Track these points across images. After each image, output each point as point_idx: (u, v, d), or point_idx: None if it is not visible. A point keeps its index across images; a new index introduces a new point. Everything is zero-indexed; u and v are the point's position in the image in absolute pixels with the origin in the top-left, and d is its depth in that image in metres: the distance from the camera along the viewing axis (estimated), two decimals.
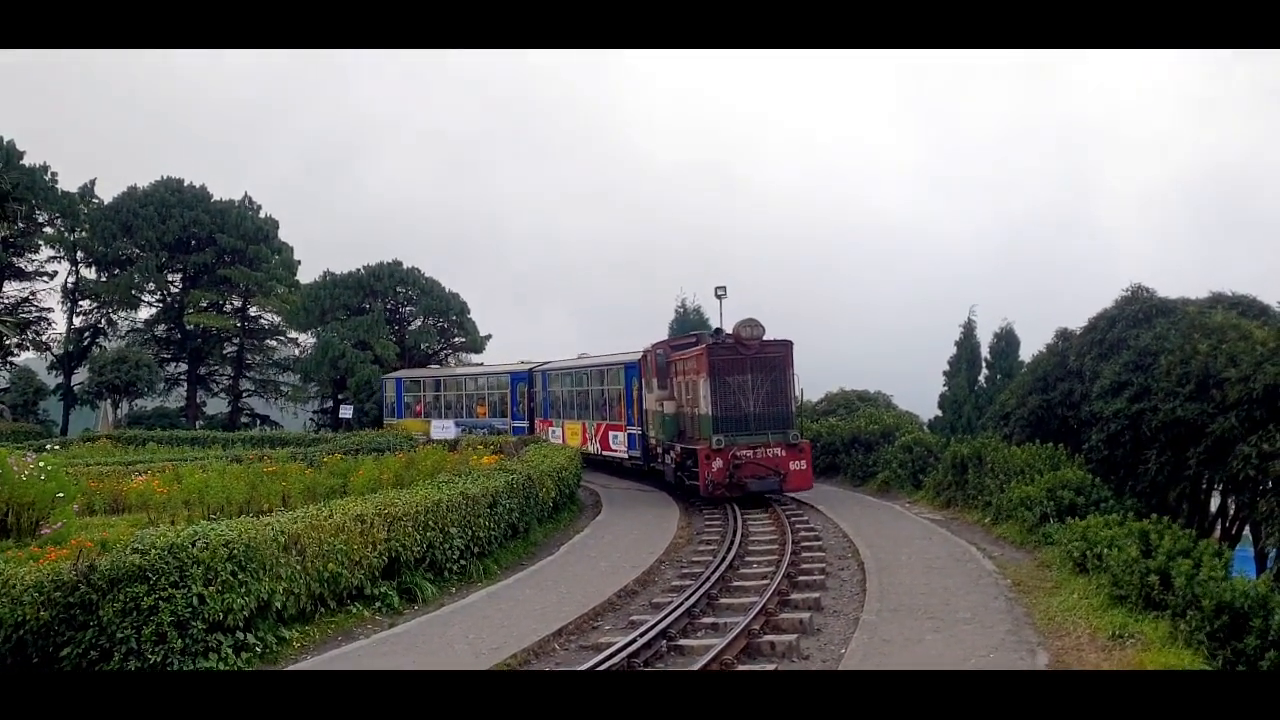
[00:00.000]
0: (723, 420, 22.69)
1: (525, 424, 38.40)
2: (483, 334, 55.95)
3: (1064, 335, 23.71)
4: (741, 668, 10.73)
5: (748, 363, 22.98)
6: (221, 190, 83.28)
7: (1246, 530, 18.97)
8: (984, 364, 35.44)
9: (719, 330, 25.02)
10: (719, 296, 26.47)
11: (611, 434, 31.26)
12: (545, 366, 38.19)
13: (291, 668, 11.06)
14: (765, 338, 23.26)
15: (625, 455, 30.16)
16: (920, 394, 39.69)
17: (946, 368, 36.27)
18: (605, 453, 31.77)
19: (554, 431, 35.81)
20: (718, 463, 22.30)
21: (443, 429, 37.04)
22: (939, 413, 36.73)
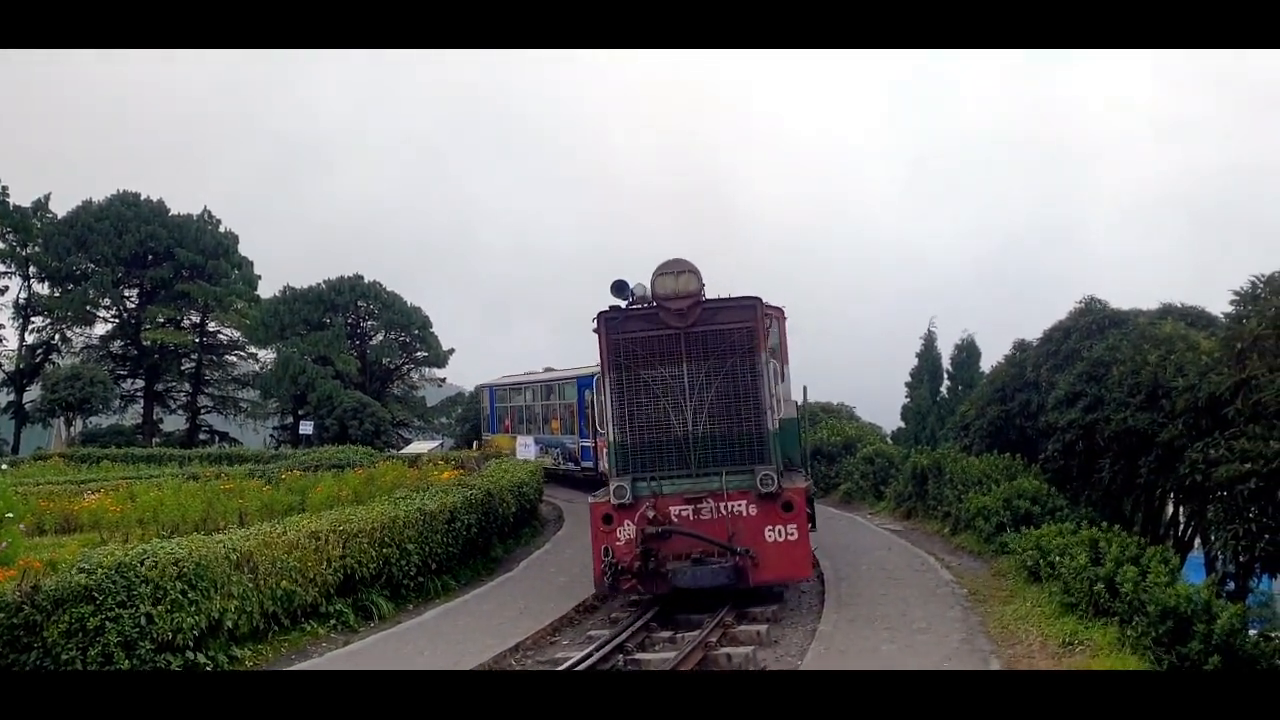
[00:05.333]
0: (633, 451, 13.55)
1: (592, 443, 29.92)
2: (446, 348, 55.65)
3: (1021, 346, 24.01)
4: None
5: (678, 343, 13.49)
6: (176, 202, 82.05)
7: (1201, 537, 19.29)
8: (946, 375, 35.91)
9: (620, 285, 14.19)
10: None
11: None
12: None
13: None
14: (710, 297, 13.78)
15: None
16: (886, 405, 40.01)
17: (909, 378, 36.70)
18: None
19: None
20: (623, 531, 13.27)
21: (525, 447, 31.16)
22: (902, 424, 37.13)
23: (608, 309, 13.89)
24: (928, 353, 35.94)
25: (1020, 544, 15.15)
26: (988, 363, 31.53)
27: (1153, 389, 16.24)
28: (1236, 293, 14.96)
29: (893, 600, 13.78)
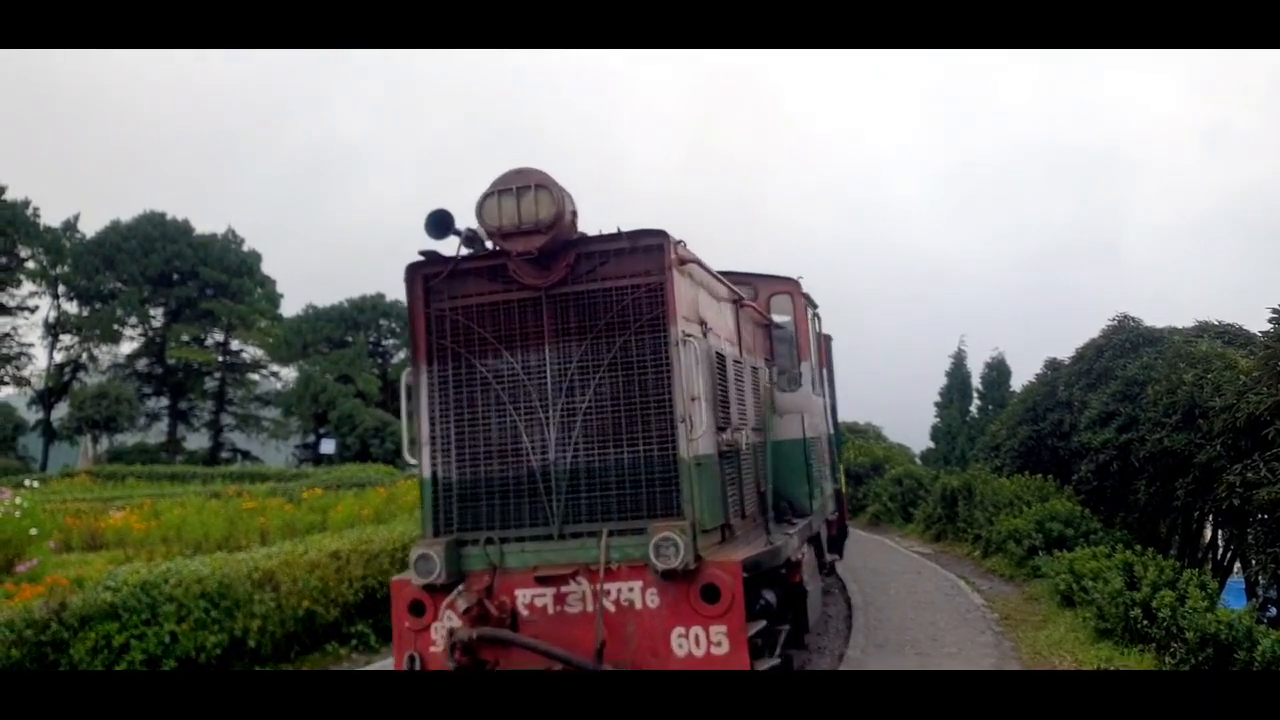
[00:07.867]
0: (460, 493, 7.80)
1: None
2: None
3: (1053, 365, 23.72)
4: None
5: (536, 312, 7.75)
6: (197, 220, 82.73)
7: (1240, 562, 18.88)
8: (975, 394, 35.56)
9: (441, 218, 7.36)
10: None
11: None
12: None
13: None
14: (588, 234, 7.71)
15: None
16: (914, 423, 39.79)
17: (938, 398, 36.37)
18: None
19: None
20: (440, 629, 7.61)
21: None
22: (932, 444, 36.78)
23: (423, 256, 7.98)
24: (957, 371, 35.65)
25: (1053, 568, 14.85)
26: (1019, 381, 31.25)
27: (1189, 409, 15.92)
28: (1276, 310, 14.64)
29: (922, 625, 13.52)
